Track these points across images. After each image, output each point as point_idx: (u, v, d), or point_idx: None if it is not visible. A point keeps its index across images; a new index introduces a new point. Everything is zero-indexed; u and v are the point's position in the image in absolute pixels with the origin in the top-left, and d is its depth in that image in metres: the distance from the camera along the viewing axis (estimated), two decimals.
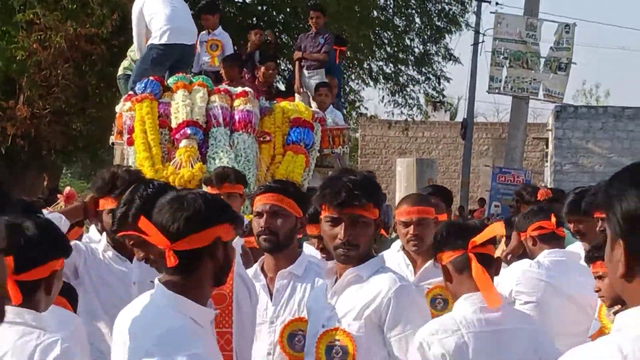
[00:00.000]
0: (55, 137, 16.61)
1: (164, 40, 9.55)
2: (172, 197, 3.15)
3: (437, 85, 21.42)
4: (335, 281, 3.88)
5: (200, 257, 3.06)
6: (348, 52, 19.84)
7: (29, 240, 3.18)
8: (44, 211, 4.96)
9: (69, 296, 4.11)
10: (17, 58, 14.64)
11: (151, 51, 9.61)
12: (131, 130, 9.00)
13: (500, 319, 3.80)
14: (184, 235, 3.02)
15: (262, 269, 4.46)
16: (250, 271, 4.42)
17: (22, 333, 3.12)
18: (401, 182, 19.87)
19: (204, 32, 10.87)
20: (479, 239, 3.84)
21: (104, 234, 4.93)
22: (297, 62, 11.74)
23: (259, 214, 4.33)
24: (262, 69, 11.08)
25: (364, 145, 39.07)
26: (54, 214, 4.83)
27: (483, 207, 24.24)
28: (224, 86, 9.64)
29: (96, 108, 16.82)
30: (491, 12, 22.22)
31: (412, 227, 4.84)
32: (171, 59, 9.71)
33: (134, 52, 10.65)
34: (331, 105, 10.81)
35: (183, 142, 8.80)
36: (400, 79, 20.95)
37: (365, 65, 20.48)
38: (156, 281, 3.16)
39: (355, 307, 3.76)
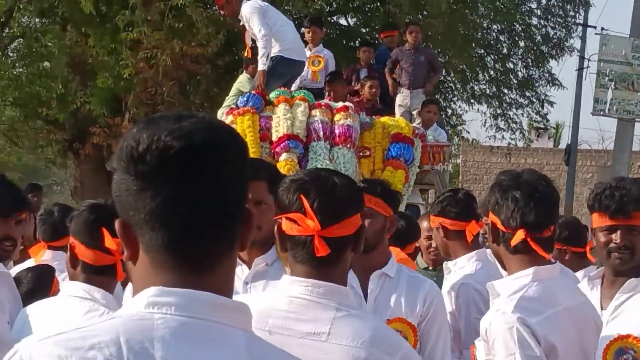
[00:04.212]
0: None
1: (292, 56, 9.71)
2: (314, 176, 2.64)
3: (540, 109, 21.16)
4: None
5: (346, 247, 2.60)
6: (451, 73, 19.83)
7: None
8: None
9: None
10: (124, 76, 14.87)
11: (278, 64, 9.61)
12: None
13: None
14: (337, 221, 2.56)
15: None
16: None
17: (89, 309, 3.42)
18: None
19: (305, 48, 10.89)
20: None
21: None
22: (390, 77, 11.71)
23: None
24: (366, 86, 10.95)
25: (465, 171, 38.70)
26: None
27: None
28: (324, 101, 9.68)
29: None
30: (596, 34, 21.93)
31: None
32: (291, 75, 9.86)
33: (241, 84, 10.82)
34: (435, 124, 10.81)
35: (283, 156, 8.85)
36: (504, 103, 20.72)
37: (468, 88, 20.34)
38: (286, 277, 2.67)
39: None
